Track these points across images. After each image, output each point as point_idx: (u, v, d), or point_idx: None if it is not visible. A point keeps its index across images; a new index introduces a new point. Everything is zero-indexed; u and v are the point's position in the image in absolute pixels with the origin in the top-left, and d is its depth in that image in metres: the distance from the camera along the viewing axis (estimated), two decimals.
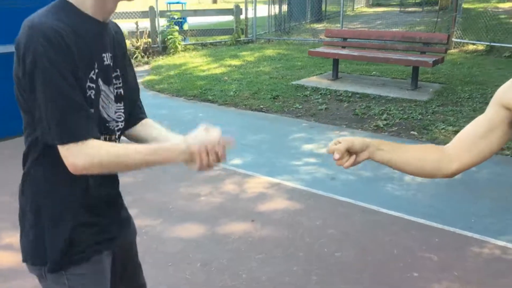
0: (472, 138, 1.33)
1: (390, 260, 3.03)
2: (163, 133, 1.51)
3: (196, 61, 9.93)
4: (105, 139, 1.35)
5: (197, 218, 3.59)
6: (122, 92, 1.42)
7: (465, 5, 11.68)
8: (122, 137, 1.50)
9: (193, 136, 1.30)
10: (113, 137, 1.39)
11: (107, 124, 1.35)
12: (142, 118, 1.56)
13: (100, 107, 1.31)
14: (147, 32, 10.75)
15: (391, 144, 1.37)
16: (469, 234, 3.32)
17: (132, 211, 1.67)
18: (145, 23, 10.96)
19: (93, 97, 1.27)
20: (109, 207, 1.46)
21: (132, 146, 1.27)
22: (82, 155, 1.20)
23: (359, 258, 3.06)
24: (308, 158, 4.79)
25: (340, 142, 1.32)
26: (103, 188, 1.41)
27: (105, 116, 1.34)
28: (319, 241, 3.26)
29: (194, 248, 3.19)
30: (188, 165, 1.30)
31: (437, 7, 15.67)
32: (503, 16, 12.26)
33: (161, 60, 10.17)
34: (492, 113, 1.32)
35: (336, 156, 1.32)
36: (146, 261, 3.00)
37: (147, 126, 1.55)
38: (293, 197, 3.93)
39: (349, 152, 1.34)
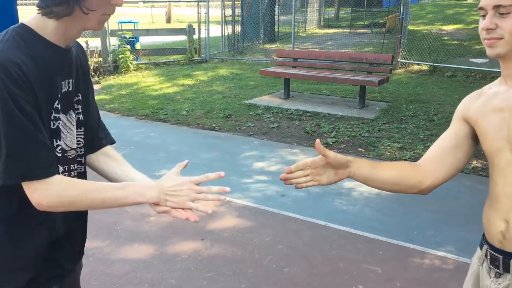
0: (442, 153, 1.40)
1: (337, 273, 3.10)
2: (128, 173, 1.45)
3: (148, 81, 9.88)
4: (64, 170, 1.31)
5: (146, 239, 3.55)
6: (82, 117, 1.37)
7: (410, 27, 12.27)
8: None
9: (165, 177, 1.30)
10: (72, 167, 1.35)
11: (65, 154, 1.31)
12: (104, 145, 1.49)
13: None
14: (98, 51, 10.62)
15: (367, 162, 1.41)
16: (411, 246, 3.45)
17: None
18: (95, 42, 10.82)
19: (60, 128, 1.24)
20: (70, 242, 1.40)
21: (100, 182, 1.24)
22: (48, 192, 1.15)
23: (306, 272, 3.12)
24: (259, 176, 4.85)
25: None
26: (69, 222, 1.36)
27: (64, 146, 1.30)
28: (268, 257, 3.30)
29: (142, 269, 3.14)
30: (154, 208, 1.31)
31: (384, 29, 16.35)
32: (446, 38, 12.93)
33: (112, 80, 10.05)
34: (456, 128, 1.41)
35: (286, 170, 1.36)
36: (92, 284, 2.94)
37: (108, 158, 1.48)
38: (243, 215, 3.96)
39: (329, 166, 1.36)
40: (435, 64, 10.14)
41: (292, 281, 3.02)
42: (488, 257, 1.37)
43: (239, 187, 4.55)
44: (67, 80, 1.28)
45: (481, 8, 1.27)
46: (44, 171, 1.16)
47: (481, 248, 1.43)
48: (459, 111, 1.43)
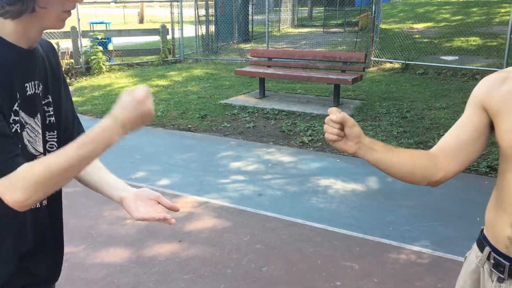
0: (457, 145, 1.28)
1: (315, 271, 3.12)
2: (104, 178, 1.40)
3: (122, 82, 9.75)
4: None
5: (122, 242, 3.50)
6: (54, 119, 1.31)
7: (382, 26, 12.44)
8: None
9: (117, 105, 1.15)
10: None
11: (34, 160, 1.24)
12: None
13: (26, 141, 1.22)
14: (69, 53, 10.42)
15: (382, 145, 1.29)
16: (387, 241, 3.50)
17: None
18: (66, 44, 10.62)
19: (18, 131, 1.19)
20: (44, 251, 1.35)
21: (58, 150, 1.13)
22: (19, 184, 1.07)
23: (285, 270, 3.13)
24: (236, 176, 4.84)
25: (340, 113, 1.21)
26: (41, 230, 1.31)
27: (33, 151, 1.25)
28: (247, 257, 3.29)
29: (119, 273, 3.10)
30: (133, 215, 1.30)
31: (357, 28, 16.55)
32: (417, 36, 13.17)
33: (85, 81, 9.89)
34: (477, 118, 1.27)
35: (333, 117, 1.19)
36: None
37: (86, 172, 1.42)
38: (221, 215, 3.95)
39: (343, 130, 1.23)
40: (407, 62, 10.31)
41: (271, 280, 3.03)
42: (492, 260, 1.30)
43: (216, 187, 4.54)
44: (32, 82, 1.22)
45: None
46: (8, 166, 1.08)
47: (480, 248, 1.37)
48: (480, 97, 1.27)
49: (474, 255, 1.39)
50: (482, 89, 1.27)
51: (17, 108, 1.17)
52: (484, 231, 1.37)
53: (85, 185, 1.43)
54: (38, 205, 1.30)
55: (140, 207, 1.38)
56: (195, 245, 3.46)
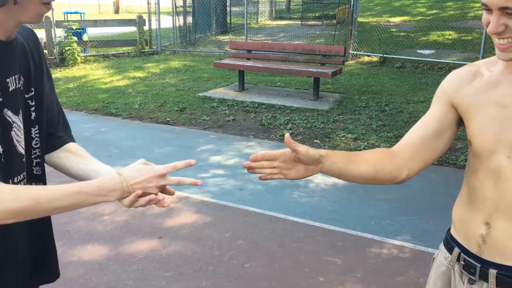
0: (421, 142, 1.25)
1: (297, 267, 3.10)
2: (92, 166, 1.31)
3: (97, 73, 9.53)
4: (24, 177, 1.18)
5: (100, 239, 3.41)
6: (35, 114, 1.23)
7: (360, 19, 12.47)
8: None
9: (129, 169, 1.13)
10: (34, 171, 1.23)
11: (23, 160, 1.18)
12: (66, 142, 1.35)
13: (15, 141, 1.14)
14: (43, 43, 10.13)
15: (342, 155, 1.26)
16: (369, 236, 3.50)
17: None
18: (40, 34, 10.31)
19: (13, 130, 1.11)
20: (28, 254, 1.27)
21: (54, 186, 1.09)
22: None
23: (267, 267, 3.09)
24: (216, 170, 4.78)
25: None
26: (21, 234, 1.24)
27: (21, 151, 1.17)
28: (229, 253, 3.25)
29: (97, 271, 3.01)
30: (122, 203, 1.16)
31: (335, 21, 16.57)
32: (394, 30, 13.26)
33: (59, 73, 9.63)
34: (441, 114, 1.24)
35: (251, 157, 1.18)
36: None
37: (70, 154, 1.34)
38: (201, 210, 3.89)
39: (300, 161, 1.20)
40: (384, 55, 10.38)
41: (253, 276, 2.99)
42: (462, 261, 1.26)
43: None
44: (13, 77, 1.14)
45: (484, 4, 1.07)
46: None
47: (448, 249, 1.32)
48: (447, 93, 1.24)
49: (442, 256, 1.35)
50: (451, 84, 1.23)
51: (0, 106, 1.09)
52: (452, 231, 1.33)
53: (70, 176, 1.34)
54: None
55: None
56: (176, 241, 3.40)
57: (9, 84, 1.12)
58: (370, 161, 1.27)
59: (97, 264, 3.09)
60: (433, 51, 10.83)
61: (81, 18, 13.73)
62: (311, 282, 2.93)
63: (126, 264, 3.10)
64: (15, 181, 1.17)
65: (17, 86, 1.16)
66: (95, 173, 1.28)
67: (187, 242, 3.38)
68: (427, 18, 14.70)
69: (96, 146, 5.39)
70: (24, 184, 1.21)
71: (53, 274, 1.41)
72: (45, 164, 1.32)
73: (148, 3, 12.24)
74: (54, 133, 1.34)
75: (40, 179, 1.29)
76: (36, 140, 1.25)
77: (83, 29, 11.54)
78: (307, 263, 3.13)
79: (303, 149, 1.17)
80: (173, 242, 3.38)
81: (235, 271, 3.04)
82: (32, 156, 1.24)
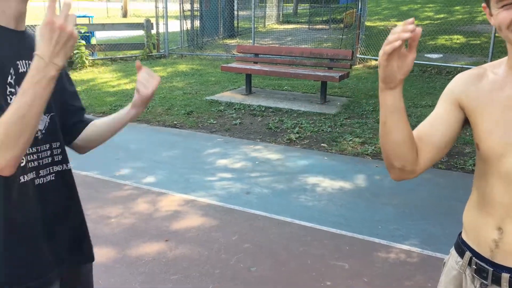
0: (431, 141, 1.22)
1: (304, 270, 3.08)
2: (107, 118, 1.51)
3: (105, 77, 9.58)
4: (33, 153, 1.29)
5: (107, 242, 3.41)
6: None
7: (367, 23, 12.47)
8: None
9: (38, 42, 1.07)
10: (40, 149, 1.32)
11: (36, 135, 1.27)
12: (89, 121, 1.52)
13: None
14: None
15: (404, 111, 1.14)
16: (376, 240, 3.48)
17: None
18: None
19: None
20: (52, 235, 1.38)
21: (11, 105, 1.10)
22: None
23: (274, 270, 3.08)
24: (223, 173, 4.78)
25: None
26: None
27: None
28: (235, 257, 3.24)
29: (104, 274, 3.02)
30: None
31: (342, 25, 16.57)
32: None
33: None
34: (449, 114, 1.23)
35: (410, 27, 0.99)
36: None
37: (93, 126, 1.51)
38: (208, 214, 3.89)
39: (402, 57, 1.07)
40: None
41: (260, 280, 2.98)
42: (474, 266, 1.25)
43: (202, 185, 4.47)
44: (23, 61, 1.24)
45: None
46: None
47: (460, 253, 1.32)
48: (455, 93, 1.22)
49: (453, 260, 1.34)
50: (458, 85, 1.22)
51: (12, 82, 1.19)
52: (463, 235, 1.33)
53: (101, 143, 1.55)
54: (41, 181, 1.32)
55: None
56: (182, 244, 3.40)
57: (19, 66, 1.22)
58: (412, 138, 1.19)
59: (103, 267, 3.10)
60: (441, 55, 10.79)
61: (89, 21, 13.85)
62: (318, 286, 2.91)
63: (133, 267, 3.10)
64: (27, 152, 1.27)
65: (27, 70, 1.23)
66: (117, 114, 1.49)
67: (194, 245, 3.38)
68: (435, 22, 14.66)
69: (103, 149, 5.38)
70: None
71: (89, 256, 1.56)
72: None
73: (156, 7, 12.30)
74: (77, 121, 1.50)
75: (67, 176, 1.43)
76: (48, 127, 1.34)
77: (91, 32, 11.62)
78: (314, 267, 3.12)
79: (410, 57, 1.06)
80: (179, 245, 3.38)
81: (242, 275, 3.03)
82: (39, 134, 1.33)
